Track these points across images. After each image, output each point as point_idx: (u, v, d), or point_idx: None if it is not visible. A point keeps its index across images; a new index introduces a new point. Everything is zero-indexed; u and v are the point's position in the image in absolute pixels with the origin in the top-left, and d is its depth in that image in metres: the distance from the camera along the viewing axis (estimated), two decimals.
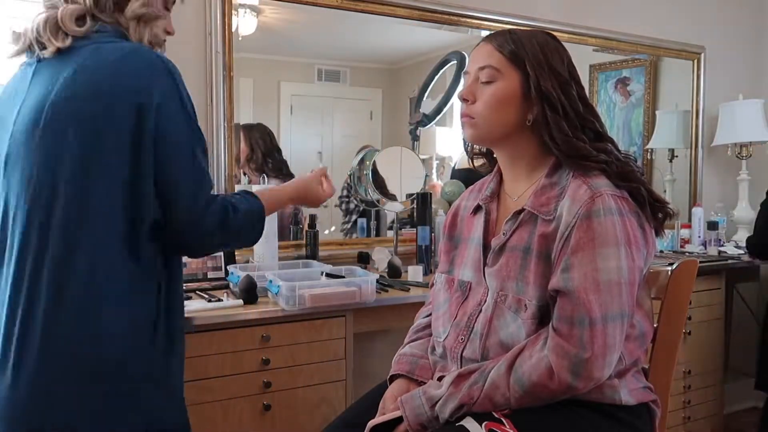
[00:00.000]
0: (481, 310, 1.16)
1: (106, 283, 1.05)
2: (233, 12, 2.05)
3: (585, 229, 1.05)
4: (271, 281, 1.69)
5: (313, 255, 2.12)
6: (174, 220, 1.10)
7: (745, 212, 3.11)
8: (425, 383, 1.18)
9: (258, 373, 1.64)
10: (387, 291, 1.90)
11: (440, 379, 1.16)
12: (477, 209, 1.27)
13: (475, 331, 1.15)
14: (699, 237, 2.96)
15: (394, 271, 2.07)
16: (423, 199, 2.20)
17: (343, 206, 2.46)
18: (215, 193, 1.18)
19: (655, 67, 3.14)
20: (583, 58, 2.94)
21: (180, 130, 1.10)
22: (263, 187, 1.43)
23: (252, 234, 1.26)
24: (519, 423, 1.04)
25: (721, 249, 2.83)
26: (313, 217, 2.15)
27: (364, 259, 2.23)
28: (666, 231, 1.20)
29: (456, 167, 2.63)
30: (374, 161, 2.30)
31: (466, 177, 2.53)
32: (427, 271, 2.15)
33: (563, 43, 1.21)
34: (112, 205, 1.05)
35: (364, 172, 2.32)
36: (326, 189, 1.48)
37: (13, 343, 1.04)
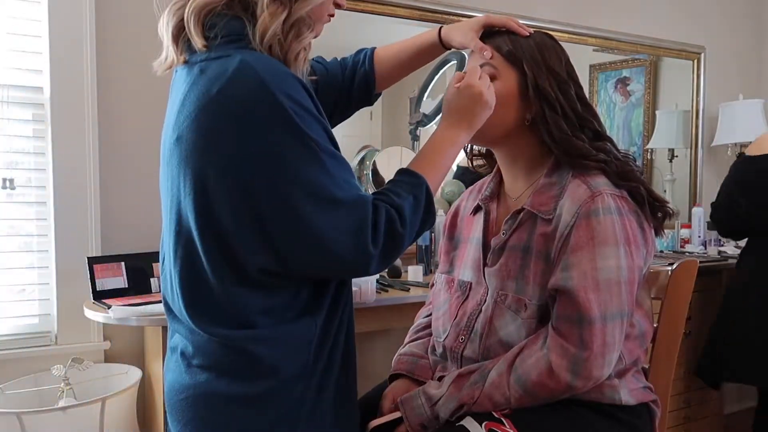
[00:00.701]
0: (481, 310, 1.16)
1: None
2: None
3: (584, 229, 1.05)
4: None
5: None
6: None
7: None
8: (425, 383, 1.18)
9: None
10: (387, 291, 1.90)
11: (440, 379, 1.16)
12: (477, 209, 1.27)
13: (475, 331, 1.15)
14: (699, 237, 2.97)
15: (394, 271, 2.07)
16: None
17: None
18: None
19: (655, 67, 3.14)
20: (583, 58, 2.94)
21: None
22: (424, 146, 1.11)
23: (424, 226, 1.05)
24: (519, 423, 1.04)
25: (721, 249, 2.84)
26: None
27: None
28: (666, 231, 1.20)
29: (458, 164, 2.62)
30: (374, 161, 2.30)
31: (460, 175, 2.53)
32: (427, 271, 2.15)
33: (563, 43, 1.21)
34: None
35: (364, 172, 2.32)
36: (482, 77, 1.11)
37: None
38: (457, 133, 1.10)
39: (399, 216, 0.98)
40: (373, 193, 1.01)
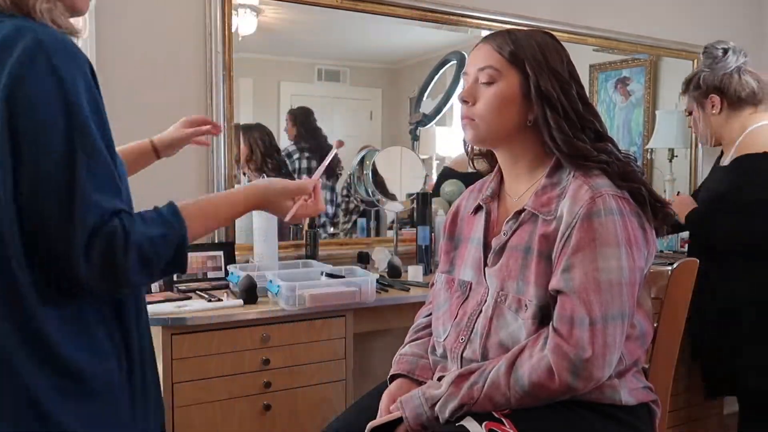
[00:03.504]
0: (481, 310, 1.16)
1: None
2: (233, 12, 2.05)
3: (586, 229, 1.05)
4: (271, 281, 1.69)
5: (312, 255, 2.12)
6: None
7: None
8: (425, 383, 1.18)
9: (258, 373, 1.64)
10: (387, 291, 1.90)
11: (440, 379, 1.16)
12: (477, 209, 1.27)
13: (476, 331, 1.15)
14: None
15: (394, 271, 2.07)
16: (423, 199, 2.20)
17: (343, 206, 2.46)
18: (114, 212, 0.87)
19: (655, 67, 3.14)
20: (583, 58, 2.94)
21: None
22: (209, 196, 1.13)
23: (168, 268, 0.95)
24: (519, 423, 1.04)
25: None
26: (313, 217, 2.15)
27: (364, 259, 2.23)
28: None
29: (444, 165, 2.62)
30: (374, 161, 2.30)
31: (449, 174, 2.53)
32: (427, 271, 2.15)
33: (563, 43, 1.21)
34: None
35: (364, 172, 2.32)
36: (300, 209, 1.12)
37: None
38: (244, 211, 1.09)
39: (125, 243, 0.86)
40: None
